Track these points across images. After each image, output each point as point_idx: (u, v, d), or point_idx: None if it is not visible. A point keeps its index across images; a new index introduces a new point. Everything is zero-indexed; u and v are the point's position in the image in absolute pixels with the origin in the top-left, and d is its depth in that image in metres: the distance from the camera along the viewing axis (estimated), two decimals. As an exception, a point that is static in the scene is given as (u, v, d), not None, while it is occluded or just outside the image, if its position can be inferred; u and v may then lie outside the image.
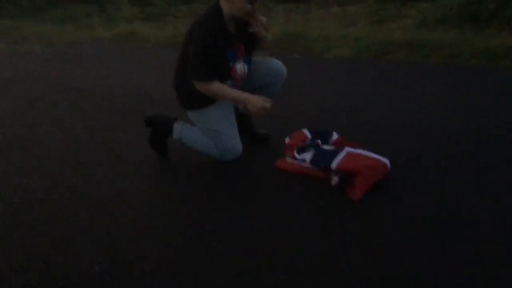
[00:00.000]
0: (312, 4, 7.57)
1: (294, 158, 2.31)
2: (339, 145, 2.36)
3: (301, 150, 2.32)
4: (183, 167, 2.46)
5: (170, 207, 2.06)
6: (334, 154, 2.19)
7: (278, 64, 2.55)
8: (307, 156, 2.26)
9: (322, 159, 2.19)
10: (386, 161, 2.14)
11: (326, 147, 2.34)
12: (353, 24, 5.85)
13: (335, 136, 2.48)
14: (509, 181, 2.08)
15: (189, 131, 2.44)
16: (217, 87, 2.24)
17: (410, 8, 6.25)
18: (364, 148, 2.29)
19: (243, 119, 2.62)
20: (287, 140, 2.47)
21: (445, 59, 4.36)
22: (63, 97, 4.08)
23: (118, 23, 8.96)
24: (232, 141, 2.36)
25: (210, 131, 2.36)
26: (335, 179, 2.11)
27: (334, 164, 2.13)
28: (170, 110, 2.64)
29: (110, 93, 4.08)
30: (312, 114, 3.11)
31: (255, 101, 2.19)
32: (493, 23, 4.87)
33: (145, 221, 1.94)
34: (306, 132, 2.49)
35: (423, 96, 3.38)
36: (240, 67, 2.35)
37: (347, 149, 2.21)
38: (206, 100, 2.32)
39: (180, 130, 2.45)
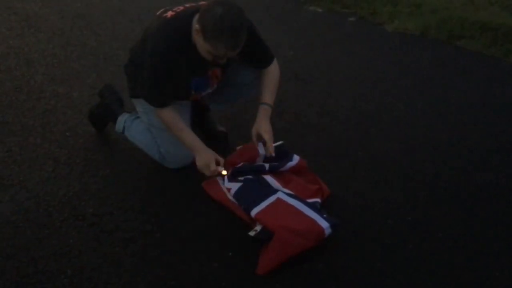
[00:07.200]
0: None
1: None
2: (287, 178, 1.85)
3: (237, 173, 1.84)
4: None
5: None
6: (263, 195, 1.70)
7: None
8: (235, 186, 1.78)
9: (246, 197, 1.72)
10: (324, 224, 1.61)
11: (268, 178, 1.84)
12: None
13: (294, 161, 1.94)
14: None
15: (133, 124, 2.05)
16: (168, 119, 1.82)
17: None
18: (315, 194, 1.77)
19: (200, 110, 2.16)
20: (238, 149, 2.00)
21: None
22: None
23: None
24: (177, 144, 1.90)
25: (154, 128, 1.94)
26: (256, 229, 1.64)
27: (254, 211, 1.65)
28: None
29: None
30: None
31: (202, 159, 1.80)
32: None
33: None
34: (260, 147, 1.97)
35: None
36: (210, 90, 1.97)
37: (280, 193, 1.70)
38: None
39: (124, 121, 2.06)
